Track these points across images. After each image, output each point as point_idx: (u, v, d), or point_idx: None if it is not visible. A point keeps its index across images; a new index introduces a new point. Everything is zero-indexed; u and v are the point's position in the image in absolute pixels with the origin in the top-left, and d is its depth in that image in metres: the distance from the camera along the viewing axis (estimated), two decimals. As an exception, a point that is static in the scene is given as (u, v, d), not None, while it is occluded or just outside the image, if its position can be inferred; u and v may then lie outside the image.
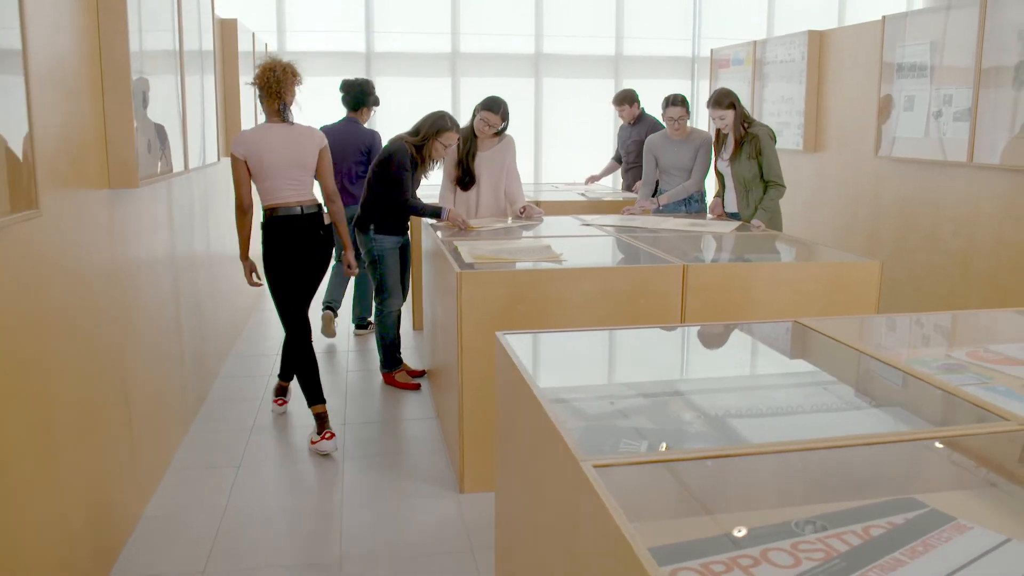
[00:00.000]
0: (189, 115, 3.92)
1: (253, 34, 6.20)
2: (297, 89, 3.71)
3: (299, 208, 3.71)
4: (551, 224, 4.67)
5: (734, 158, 4.66)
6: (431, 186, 4.97)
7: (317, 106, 6.08)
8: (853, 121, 5.53)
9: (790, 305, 3.42)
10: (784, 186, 4.59)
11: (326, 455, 3.76)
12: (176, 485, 3.45)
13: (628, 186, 6.46)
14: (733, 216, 4.83)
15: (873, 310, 3.51)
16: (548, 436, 1.57)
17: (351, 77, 5.44)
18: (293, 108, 3.73)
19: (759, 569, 1.16)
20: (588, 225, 4.61)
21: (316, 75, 7.52)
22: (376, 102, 5.43)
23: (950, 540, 1.26)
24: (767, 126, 4.72)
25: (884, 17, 5.14)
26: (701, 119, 8.36)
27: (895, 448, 1.58)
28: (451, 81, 8.81)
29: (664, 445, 1.66)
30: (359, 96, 5.29)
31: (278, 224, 3.71)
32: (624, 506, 1.23)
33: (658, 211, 5.14)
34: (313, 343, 3.92)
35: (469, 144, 4.64)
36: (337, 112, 5.42)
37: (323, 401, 3.84)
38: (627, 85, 7.39)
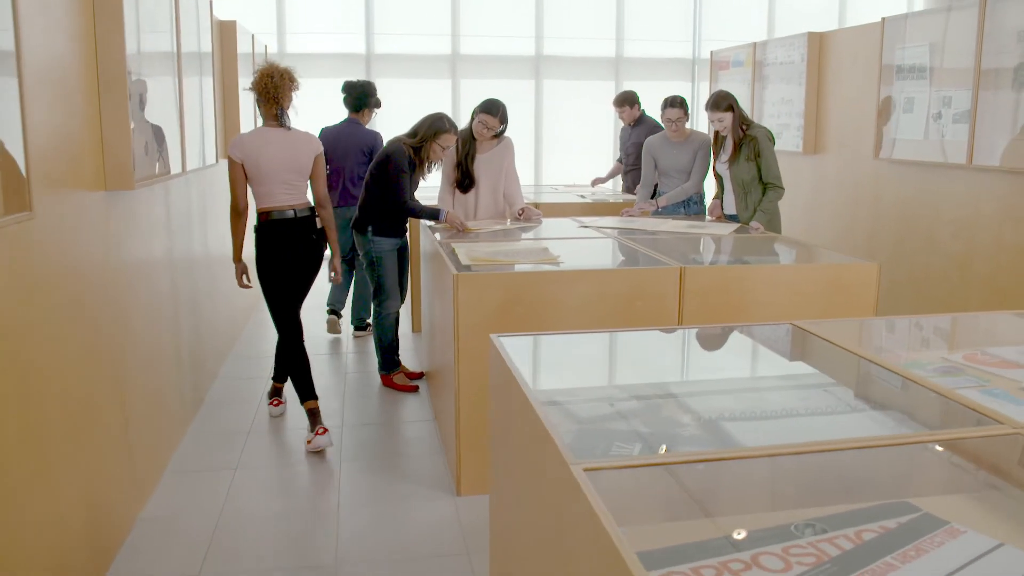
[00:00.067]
0: (187, 117, 3.92)
1: (253, 36, 6.20)
2: (294, 94, 3.76)
3: (292, 212, 3.76)
4: (549, 226, 4.67)
5: (733, 160, 4.65)
6: (430, 188, 4.97)
7: (317, 108, 6.11)
8: (853, 123, 5.52)
9: (788, 307, 3.41)
10: (782, 188, 4.59)
11: (321, 451, 3.78)
12: (173, 487, 3.45)
13: (628, 188, 6.45)
14: (732, 218, 4.83)
15: (871, 312, 3.50)
16: (539, 439, 1.56)
17: (352, 79, 5.46)
18: (290, 112, 3.78)
19: (749, 573, 1.16)
20: (586, 227, 4.60)
21: (316, 77, 7.57)
22: (377, 104, 5.45)
23: (943, 544, 1.25)
24: (765, 128, 4.72)
25: (883, 19, 5.13)
26: (701, 121, 8.35)
27: (889, 451, 1.58)
28: (451, 83, 8.81)
29: (664, 448, 1.65)
30: (361, 97, 5.31)
31: (271, 227, 3.76)
32: (615, 510, 1.22)
33: (657, 213, 5.13)
34: (305, 342, 3.97)
35: (468, 146, 4.64)
36: (337, 113, 5.43)
37: (315, 397, 3.88)
38: (627, 87, 7.38)
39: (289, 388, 4.38)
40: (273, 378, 4.36)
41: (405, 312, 5.58)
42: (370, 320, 5.67)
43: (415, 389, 4.63)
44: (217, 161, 4.84)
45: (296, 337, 3.90)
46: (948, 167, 4.61)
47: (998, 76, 4.21)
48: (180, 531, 3.09)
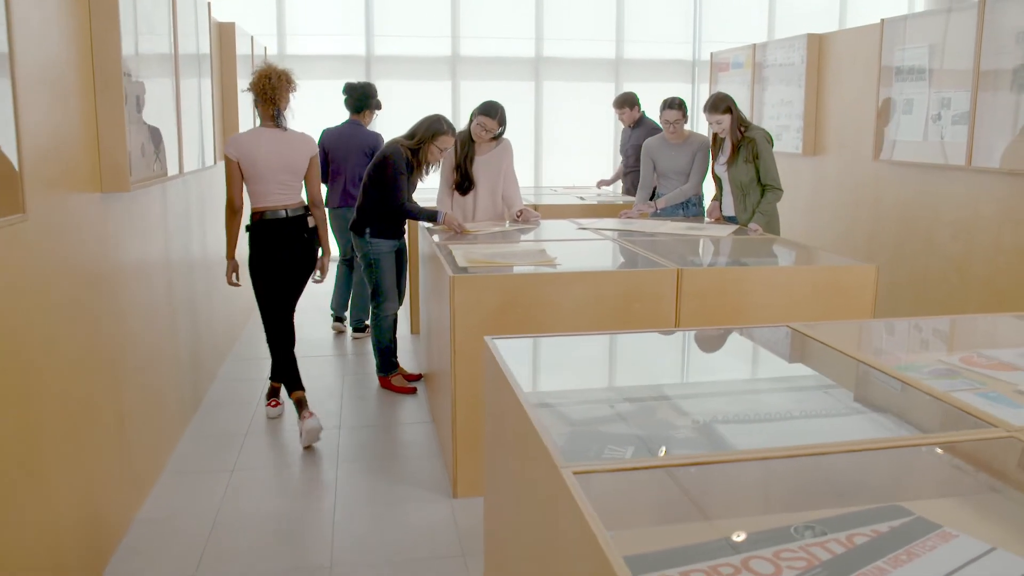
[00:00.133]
0: (185, 118, 3.92)
1: (252, 37, 6.20)
2: (292, 96, 3.83)
3: (285, 211, 3.82)
4: (548, 228, 4.66)
5: (731, 162, 4.65)
6: (428, 190, 4.96)
7: (317, 109, 6.12)
8: (852, 124, 5.51)
9: (785, 309, 3.40)
10: (781, 189, 4.58)
11: (313, 442, 3.82)
12: (170, 489, 3.44)
13: (628, 190, 6.45)
14: (731, 220, 4.82)
15: (869, 314, 3.49)
16: (530, 441, 1.56)
17: (353, 80, 5.47)
18: (287, 114, 3.83)
19: (739, 578, 1.15)
20: (584, 229, 4.60)
21: (316, 78, 7.57)
22: (378, 106, 5.47)
23: (934, 549, 1.25)
24: (764, 130, 4.71)
25: (883, 20, 5.12)
26: (701, 123, 8.35)
27: (882, 455, 1.57)
28: (451, 84, 8.80)
29: (664, 450, 1.64)
30: (361, 99, 5.34)
31: (264, 227, 3.82)
32: (605, 513, 1.22)
33: (656, 214, 5.12)
34: (296, 345, 4.02)
35: (467, 148, 4.63)
36: (337, 115, 5.43)
37: (302, 389, 3.95)
38: (627, 88, 7.37)
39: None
40: (270, 378, 4.36)
41: (404, 314, 5.57)
42: (368, 322, 5.68)
43: (413, 391, 4.62)
44: (215, 163, 4.84)
45: (286, 341, 3.97)
46: (947, 169, 4.60)
47: (997, 77, 4.20)
48: (177, 532, 3.09)
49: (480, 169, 4.68)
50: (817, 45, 5.89)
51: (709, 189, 5.17)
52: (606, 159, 8.98)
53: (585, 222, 4.86)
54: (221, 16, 5.36)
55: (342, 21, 8.60)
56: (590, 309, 3.30)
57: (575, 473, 1.34)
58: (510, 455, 1.83)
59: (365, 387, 4.74)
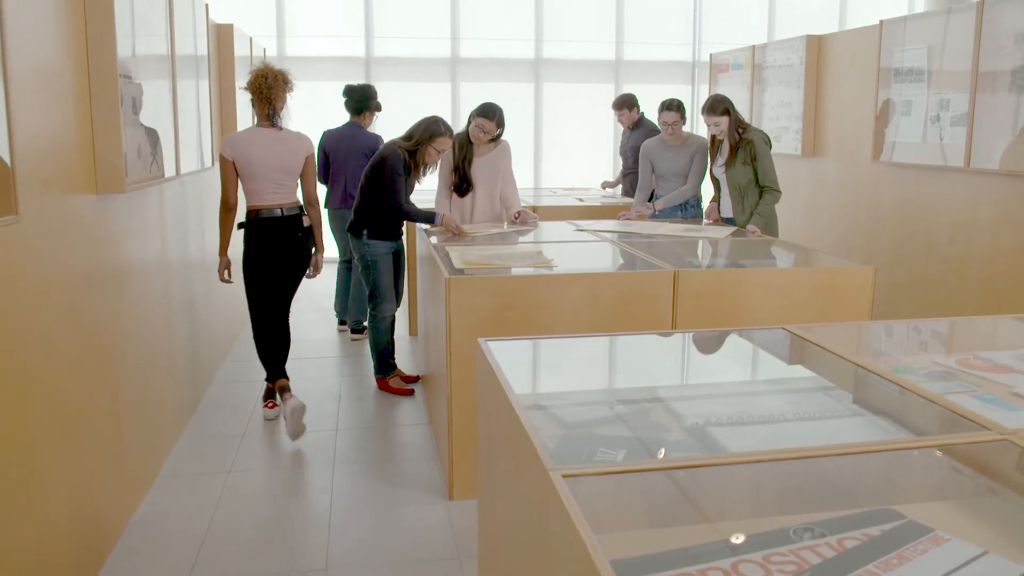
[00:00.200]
0: (182, 120, 3.92)
1: (251, 39, 6.20)
2: (288, 96, 3.86)
3: (279, 210, 3.87)
4: (545, 229, 4.66)
5: (729, 164, 4.64)
6: (426, 191, 4.96)
7: (317, 111, 6.12)
8: (851, 126, 5.50)
9: (782, 311, 3.39)
10: (779, 191, 4.57)
11: (301, 413, 3.84)
12: (165, 491, 3.44)
13: (627, 191, 6.44)
14: (729, 221, 4.81)
15: (866, 316, 3.48)
16: (521, 444, 1.55)
17: (353, 82, 5.48)
18: (283, 114, 3.86)
19: (728, 582, 1.14)
20: (582, 230, 4.59)
21: (316, 80, 7.57)
22: (378, 107, 5.48)
23: (926, 552, 1.24)
24: (762, 131, 4.70)
25: (882, 22, 5.11)
26: (701, 124, 8.34)
27: (875, 458, 1.56)
28: (451, 86, 8.80)
29: (663, 452, 1.63)
30: (362, 101, 5.36)
31: (259, 225, 3.87)
32: (594, 517, 1.21)
33: (654, 216, 5.11)
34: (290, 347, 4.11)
35: (465, 150, 4.63)
36: (336, 116, 5.44)
37: (286, 378, 4.03)
38: (627, 90, 7.37)
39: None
40: (267, 379, 4.35)
41: (402, 315, 5.57)
42: (366, 323, 5.68)
43: (410, 393, 4.61)
44: (213, 164, 4.83)
45: (277, 340, 4.02)
46: (946, 170, 4.59)
47: (996, 79, 4.19)
48: (172, 534, 3.08)
49: (478, 171, 4.68)
50: (816, 46, 5.88)
51: (708, 191, 5.16)
52: (606, 161, 8.98)
53: (583, 224, 4.86)
54: (221, 18, 5.36)
55: (342, 23, 8.60)
56: (586, 311, 3.29)
57: (564, 476, 1.33)
58: (502, 458, 1.83)
59: (363, 388, 4.73)
